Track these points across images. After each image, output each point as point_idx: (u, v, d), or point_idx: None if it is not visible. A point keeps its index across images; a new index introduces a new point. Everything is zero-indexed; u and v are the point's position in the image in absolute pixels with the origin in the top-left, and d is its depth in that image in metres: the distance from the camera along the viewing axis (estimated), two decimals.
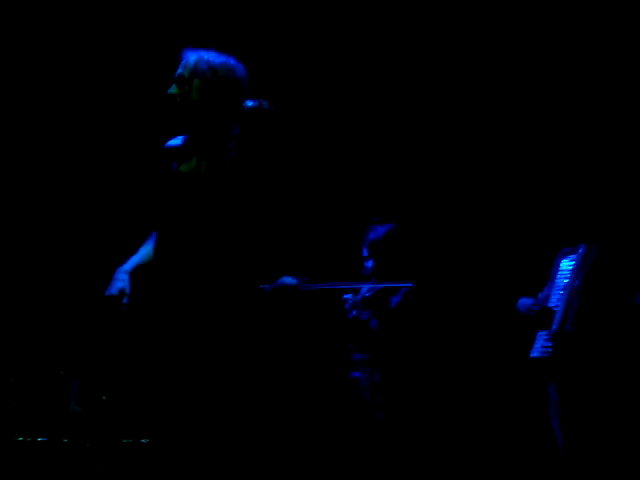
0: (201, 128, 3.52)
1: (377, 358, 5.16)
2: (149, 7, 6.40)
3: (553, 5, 6.26)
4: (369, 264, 5.23)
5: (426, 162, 6.52)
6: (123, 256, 3.66)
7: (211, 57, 3.52)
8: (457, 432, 6.15)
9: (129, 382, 5.70)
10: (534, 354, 4.83)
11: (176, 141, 3.60)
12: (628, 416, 4.58)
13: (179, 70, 3.52)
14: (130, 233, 3.91)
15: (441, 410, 5.81)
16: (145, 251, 3.60)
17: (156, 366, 3.44)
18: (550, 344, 4.72)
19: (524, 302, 4.95)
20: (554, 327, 4.73)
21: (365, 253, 5.26)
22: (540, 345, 4.80)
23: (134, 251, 3.66)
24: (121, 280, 3.48)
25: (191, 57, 3.52)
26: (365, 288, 5.23)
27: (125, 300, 3.45)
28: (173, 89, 3.51)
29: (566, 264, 4.90)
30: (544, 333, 4.78)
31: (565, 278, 4.85)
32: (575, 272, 4.80)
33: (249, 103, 3.53)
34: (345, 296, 5.28)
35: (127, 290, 3.46)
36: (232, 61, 3.55)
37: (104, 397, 5.59)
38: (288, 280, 3.48)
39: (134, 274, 3.52)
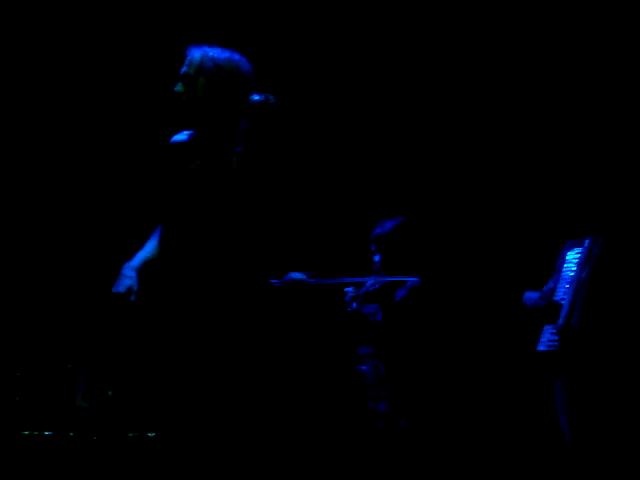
0: (207, 124, 3.51)
1: (382, 351, 5.16)
2: (153, 2, 6.39)
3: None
4: (376, 258, 5.24)
5: (432, 156, 6.51)
6: (128, 250, 3.65)
7: (216, 53, 3.51)
8: (463, 426, 6.15)
9: (136, 376, 5.70)
10: (540, 348, 4.82)
11: (182, 136, 3.59)
12: (636, 410, 4.57)
13: (184, 68, 3.52)
14: (135, 227, 3.90)
15: (447, 404, 5.81)
16: (151, 247, 3.59)
17: (166, 361, 3.44)
18: (556, 338, 4.71)
19: (530, 296, 4.94)
20: (560, 321, 4.72)
21: (373, 248, 5.26)
22: (547, 339, 4.79)
23: (139, 246, 3.65)
24: (129, 277, 3.46)
25: (196, 54, 3.51)
26: (370, 282, 5.23)
27: (133, 297, 3.44)
28: (179, 87, 3.51)
29: (572, 256, 4.88)
30: (550, 327, 4.77)
31: (571, 270, 4.84)
32: (581, 265, 4.79)
33: (255, 97, 3.52)
34: (346, 289, 5.28)
35: (135, 287, 3.45)
36: (237, 56, 3.54)
37: (110, 392, 5.60)
38: (296, 275, 3.48)
39: (141, 270, 3.51)
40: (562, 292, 4.83)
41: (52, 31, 6.40)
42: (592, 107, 6.19)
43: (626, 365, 4.58)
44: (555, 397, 4.78)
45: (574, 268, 4.83)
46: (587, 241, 4.84)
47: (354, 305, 5.21)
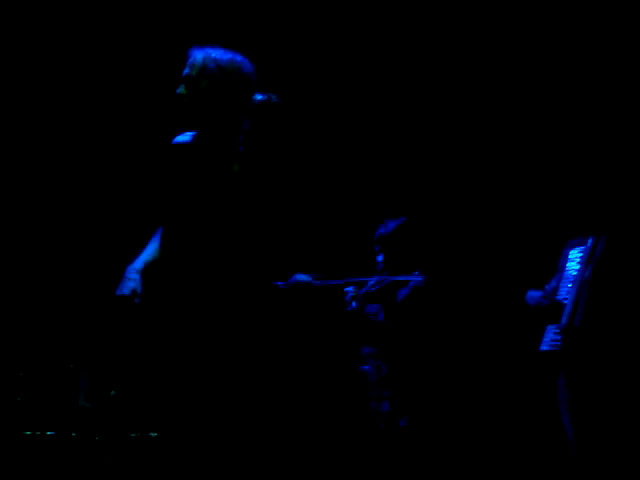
0: (210, 125, 3.51)
1: (384, 351, 5.16)
2: (156, 4, 6.40)
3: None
4: (380, 258, 5.25)
5: (435, 156, 6.51)
6: (130, 251, 3.65)
7: (218, 55, 3.50)
8: (466, 426, 6.14)
9: (139, 377, 5.70)
10: (543, 347, 4.81)
11: (184, 137, 3.58)
12: (639, 410, 4.57)
13: (187, 70, 3.51)
14: (138, 228, 3.90)
15: (449, 403, 5.81)
16: (153, 248, 3.58)
17: (169, 363, 3.43)
18: (559, 338, 4.71)
19: (533, 295, 4.93)
20: (564, 321, 4.71)
21: (376, 248, 5.27)
22: (549, 339, 4.78)
23: (141, 246, 3.65)
24: (133, 280, 3.46)
25: (198, 56, 3.50)
26: (371, 281, 5.23)
27: (137, 300, 3.43)
28: (181, 89, 3.50)
29: (575, 255, 4.88)
30: (553, 327, 4.76)
31: (574, 270, 4.83)
32: (584, 264, 4.78)
33: (258, 97, 3.52)
34: (346, 289, 5.28)
35: (139, 290, 3.44)
36: (239, 58, 3.53)
37: (112, 392, 5.60)
38: (301, 277, 3.47)
39: (144, 272, 3.50)
40: (565, 291, 4.82)
41: (55, 33, 6.41)
42: (595, 107, 6.19)
43: (629, 365, 4.57)
44: (558, 397, 4.78)
45: (577, 267, 4.82)
46: (590, 240, 4.84)
47: (354, 304, 5.21)
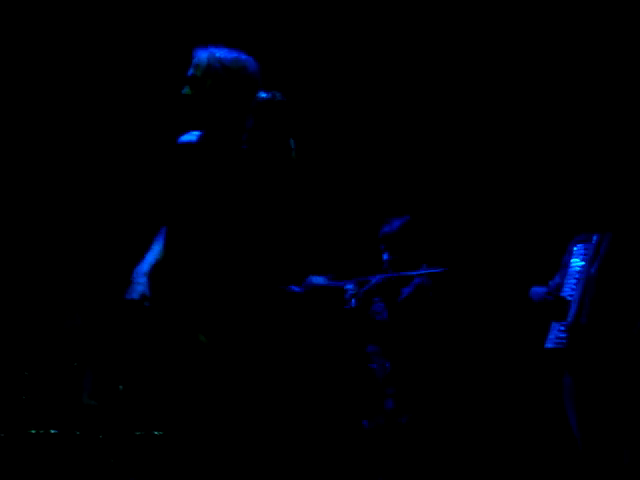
0: (216, 124, 3.51)
1: (388, 349, 5.16)
2: (160, 4, 6.41)
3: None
4: (385, 257, 5.25)
5: (439, 155, 6.51)
6: (134, 249, 3.65)
7: (222, 54, 3.50)
8: (470, 424, 6.14)
9: (145, 377, 5.70)
10: (548, 345, 4.80)
11: (190, 137, 3.58)
12: None
13: (191, 70, 3.51)
14: (141, 227, 3.89)
15: (454, 402, 5.80)
16: (159, 249, 3.58)
17: (175, 364, 3.43)
18: (564, 335, 4.69)
19: (537, 291, 4.92)
20: (569, 319, 4.69)
21: (381, 246, 5.27)
22: (554, 336, 4.77)
23: (145, 244, 3.64)
24: (141, 284, 3.46)
25: (202, 56, 3.50)
26: (374, 280, 5.23)
27: (147, 303, 3.43)
28: (187, 90, 3.50)
29: (579, 252, 4.86)
30: (558, 324, 4.75)
31: (579, 266, 4.82)
32: (590, 261, 4.77)
33: (262, 95, 3.51)
34: (346, 287, 5.28)
35: (147, 293, 3.44)
36: (244, 56, 3.54)
37: (120, 386, 5.59)
38: (317, 279, 3.46)
39: (152, 274, 3.50)
40: (569, 288, 4.80)
41: (61, 34, 6.42)
42: (601, 104, 6.18)
43: (636, 363, 4.56)
44: (564, 395, 4.77)
45: (581, 264, 4.81)
46: (595, 237, 4.82)
47: (353, 302, 5.21)
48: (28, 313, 6.09)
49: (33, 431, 5.45)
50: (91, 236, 6.49)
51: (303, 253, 3.52)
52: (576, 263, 4.85)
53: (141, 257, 3.57)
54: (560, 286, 4.86)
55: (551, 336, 4.79)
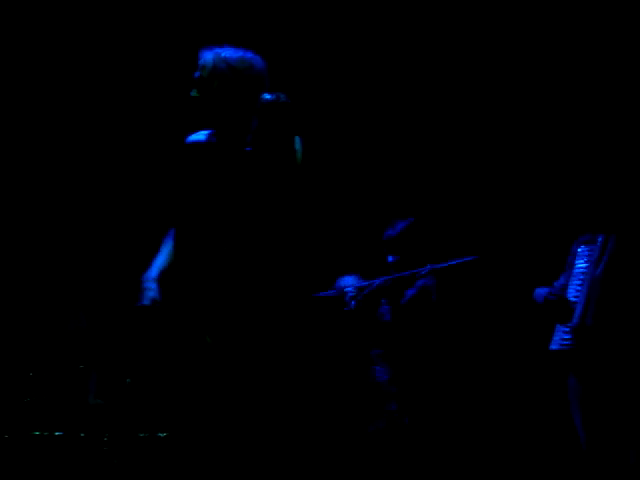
0: (225, 124, 3.51)
1: (391, 351, 5.16)
2: (167, 6, 6.43)
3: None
4: (389, 259, 5.25)
5: (443, 156, 6.51)
6: (141, 251, 3.65)
7: (228, 54, 3.51)
8: (475, 425, 6.14)
9: (150, 378, 5.70)
10: (553, 347, 4.78)
11: (199, 136, 3.59)
12: None
13: (198, 72, 3.52)
14: (148, 229, 3.90)
15: (458, 403, 5.79)
16: (167, 252, 3.58)
17: (185, 367, 3.43)
18: (570, 337, 4.69)
19: (541, 292, 4.91)
20: (575, 320, 4.68)
21: (385, 249, 5.27)
22: (559, 337, 4.76)
23: (151, 245, 3.64)
24: (152, 290, 3.46)
25: (208, 57, 3.51)
26: (376, 282, 5.23)
27: (157, 308, 3.44)
28: (194, 92, 3.51)
29: (584, 253, 4.85)
30: (564, 326, 4.74)
31: (583, 267, 4.81)
32: (594, 262, 4.75)
33: (266, 97, 3.50)
34: (346, 288, 5.28)
35: (158, 298, 3.44)
36: (249, 55, 3.54)
37: (128, 380, 5.59)
38: (349, 279, 3.43)
39: (162, 278, 3.50)
40: (574, 289, 4.79)
41: (70, 36, 6.44)
42: (606, 104, 6.17)
43: None
44: (569, 396, 4.76)
45: (586, 265, 4.79)
46: (599, 238, 4.81)
47: (353, 304, 5.20)
48: (33, 315, 6.09)
49: (37, 433, 5.46)
50: (96, 237, 6.50)
51: (310, 255, 3.52)
52: (580, 264, 4.84)
53: (148, 259, 3.57)
54: (564, 287, 4.85)
55: (556, 338, 4.78)
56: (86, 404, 5.63)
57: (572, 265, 4.88)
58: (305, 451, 5.59)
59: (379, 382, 5.18)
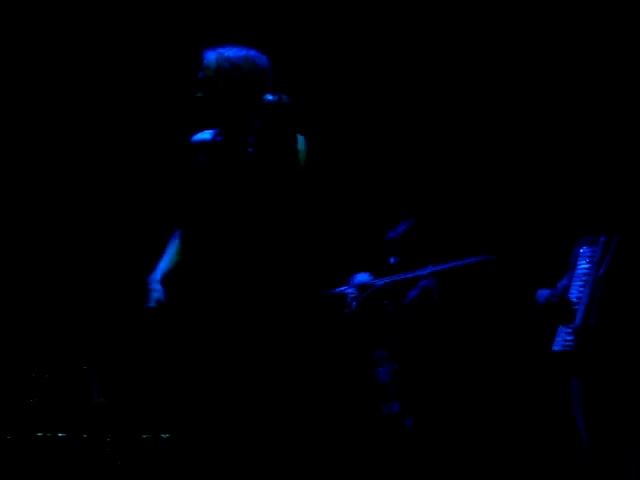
0: (230, 123, 3.52)
1: (394, 352, 5.16)
2: (171, 8, 6.44)
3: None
4: (391, 261, 5.25)
5: (445, 157, 6.51)
6: (140, 252, 3.65)
7: (231, 53, 3.51)
8: (477, 427, 6.13)
9: (154, 379, 5.70)
10: (556, 348, 4.78)
11: (204, 135, 3.59)
12: None
13: (202, 72, 3.52)
14: (153, 230, 3.90)
15: (460, 404, 5.79)
16: (172, 253, 3.58)
17: (191, 366, 3.43)
18: (572, 338, 4.68)
19: (543, 293, 4.91)
20: (577, 321, 4.68)
21: (387, 250, 5.27)
22: (562, 339, 4.76)
23: (156, 246, 3.64)
24: (157, 291, 3.46)
25: (211, 57, 3.51)
26: (378, 283, 5.23)
27: (165, 310, 3.44)
28: (200, 93, 3.52)
29: (587, 254, 4.85)
30: (566, 327, 4.74)
31: (586, 268, 4.80)
32: (597, 263, 4.75)
33: (268, 97, 3.50)
34: (347, 290, 5.28)
35: (164, 299, 3.45)
36: (253, 53, 3.54)
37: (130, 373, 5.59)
38: (363, 276, 3.43)
39: (167, 279, 3.50)
40: (576, 291, 4.79)
41: (73, 37, 6.45)
42: (608, 105, 6.17)
43: None
44: (571, 398, 4.76)
45: (588, 266, 4.79)
46: (601, 239, 4.81)
47: (354, 305, 5.20)
48: (35, 315, 6.10)
49: (40, 434, 5.46)
50: (99, 238, 6.51)
51: (318, 255, 3.52)
52: (583, 265, 4.84)
53: (152, 260, 3.57)
54: (567, 288, 4.85)
55: (558, 339, 4.78)
56: (89, 405, 5.63)
57: (574, 266, 4.88)
58: (309, 451, 5.60)
59: (382, 383, 5.18)
